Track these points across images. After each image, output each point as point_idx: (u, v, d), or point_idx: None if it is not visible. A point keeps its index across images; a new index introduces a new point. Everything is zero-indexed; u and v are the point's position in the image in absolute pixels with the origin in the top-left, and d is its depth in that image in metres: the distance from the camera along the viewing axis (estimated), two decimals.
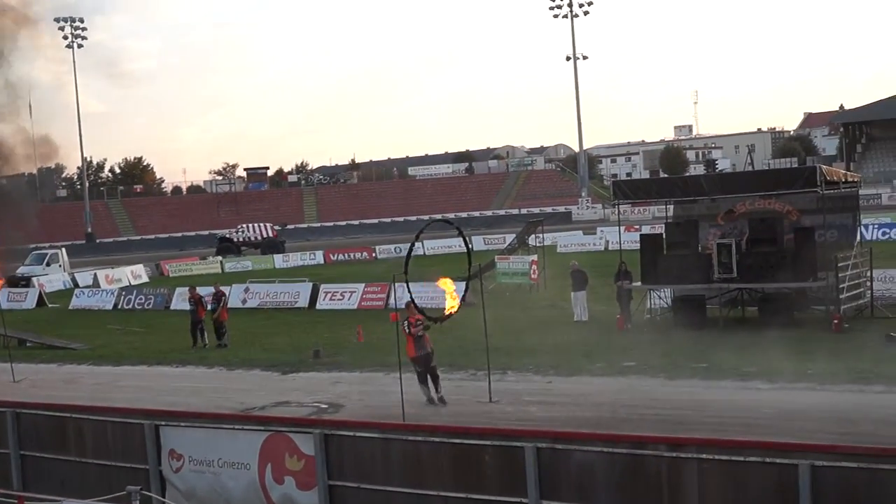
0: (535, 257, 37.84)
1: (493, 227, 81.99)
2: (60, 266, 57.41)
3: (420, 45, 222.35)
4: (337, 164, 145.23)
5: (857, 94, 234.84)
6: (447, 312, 18.09)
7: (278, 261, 64.57)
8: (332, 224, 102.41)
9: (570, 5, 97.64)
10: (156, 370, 25.55)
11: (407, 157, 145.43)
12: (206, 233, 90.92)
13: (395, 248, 62.22)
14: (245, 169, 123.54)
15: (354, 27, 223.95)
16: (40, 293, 47.10)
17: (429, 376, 18.44)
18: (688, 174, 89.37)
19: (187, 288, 32.16)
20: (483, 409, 17.84)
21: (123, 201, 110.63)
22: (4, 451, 16.17)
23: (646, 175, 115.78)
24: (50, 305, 45.56)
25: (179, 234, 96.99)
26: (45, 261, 57.17)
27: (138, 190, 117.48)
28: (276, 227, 77.15)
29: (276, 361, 24.99)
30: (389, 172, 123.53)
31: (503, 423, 15.62)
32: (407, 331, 18.23)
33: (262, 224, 76.78)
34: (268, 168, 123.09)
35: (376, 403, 18.64)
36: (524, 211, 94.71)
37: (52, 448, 15.78)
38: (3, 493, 11.92)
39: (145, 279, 56.79)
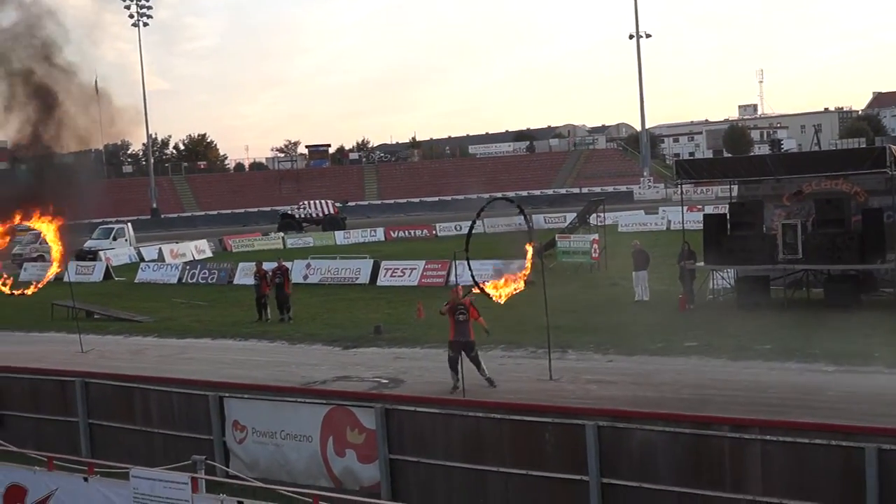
0: (596, 236, 37.65)
1: (554, 205, 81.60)
2: (126, 240, 58.39)
3: (482, 23, 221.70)
4: (398, 143, 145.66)
5: None
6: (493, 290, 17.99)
7: (339, 237, 64.99)
8: (392, 202, 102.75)
9: None
10: (219, 343, 25.92)
11: (467, 135, 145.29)
12: (269, 209, 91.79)
13: (455, 226, 62.22)
14: (307, 146, 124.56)
15: (416, 4, 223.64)
16: (107, 267, 47.93)
17: (471, 362, 18.06)
18: (753, 154, 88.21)
19: (254, 263, 32.50)
20: (543, 386, 17.82)
21: (187, 177, 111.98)
22: (73, 420, 16.57)
23: (709, 155, 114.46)
24: (116, 279, 46.36)
25: (242, 210, 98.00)
26: (112, 235, 58.16)
27: (202, 166, 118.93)
28: (338, 204, 77.54)
29: (337, 336, 25.20)
30: (450, 151, 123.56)
31: (563, 401, 15.59)
32: (455, 313, 18.04)
33: (323, 201, 77.22)
34: (329, 146, 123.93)
35: (436, 380, 18.72)
36: (585, 190, 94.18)
37: (119, 417, 16.14)
38: (73, 461, 12.20)
39: (209, 254, 57.52)
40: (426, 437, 13.28)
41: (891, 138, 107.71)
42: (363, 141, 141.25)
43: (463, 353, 17.92)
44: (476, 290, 17.91)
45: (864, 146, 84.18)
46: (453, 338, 18.07)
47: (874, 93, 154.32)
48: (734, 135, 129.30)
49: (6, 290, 24.49)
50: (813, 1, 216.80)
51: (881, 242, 24.33)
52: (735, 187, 29.58)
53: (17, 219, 22.95)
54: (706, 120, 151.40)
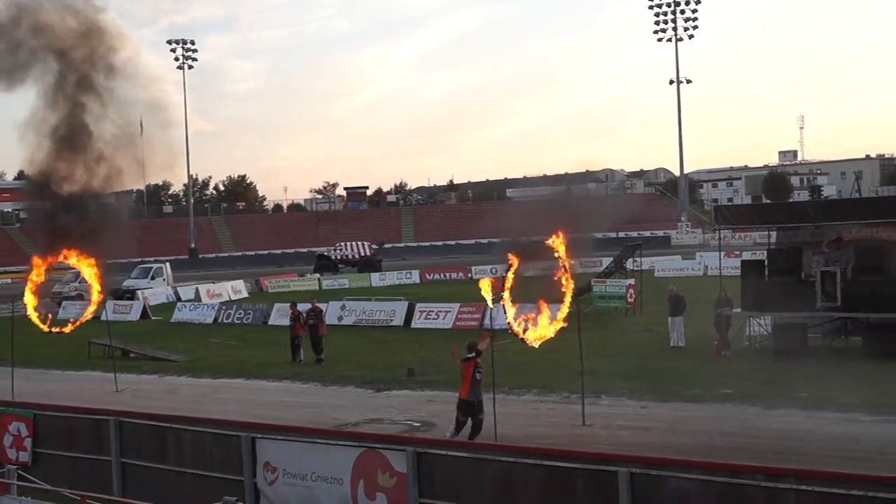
0: (632, 281, 37.49)
1: (591, 249, 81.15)
2: (164, 280, 58.77)
3: (520, 67, 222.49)
4: (435, 185, 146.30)
5: None
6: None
7: (375, 279, 65.13)
8: (428, 244, 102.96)
9: (674, 29, 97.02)
10: (253, 384, 25.98)
11: (505, 178, 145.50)
12: (306, 250, 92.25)
13: (490, 269, 62.08)
14: (345, 188, 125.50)
15: (454, 49, 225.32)
16: (144, 306, 48.31)
17: (473, 424, 17.23)
18: (792, 200, 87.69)
19: (289, 304, 32.68)
20: (576, 432, 17.69)
21: (226, 218, 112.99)
22: (106, 459, 16.61)
23: (748, 201, 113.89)
24: (153, 318, 46.65)
25: (279, 251, 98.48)
26: (150, 274, 58.62)
27: (241, 207, 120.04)
28: (374, 246, 77.77)
29: (370, 379, 25.18)
30: (487, 194, 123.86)
31: (596, 447, 15.44)
32: (474, 370, 17.30)
33: (359, 242, 77.43)
34: (367, 187, 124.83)
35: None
36: (622, 234, 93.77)
37: (151, 457, 16.15)
38: (106, 500, 12.22)
39: (245, 294, 57.81)
40: (457, 481, 13.17)
41: None
42: (401, 183, 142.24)
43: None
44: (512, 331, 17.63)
45: None
46: (468, 396, 17.27)
47: None
48: (773, 181, 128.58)
49: (45, 327, 24.80)
50: (853, 47, 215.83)
51: None
52: (773, 233, 29.39)
53: (58, 258, 23.27)
54: (745, 166, 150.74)
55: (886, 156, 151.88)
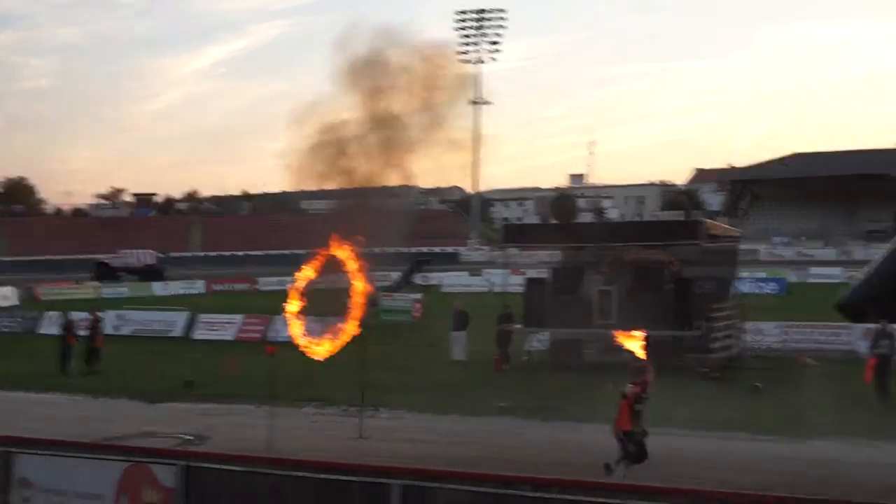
0: (419, 296, 37.85)
1: (381, 263, 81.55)
2: None
3: (314, 82, 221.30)
4: (228, 195, 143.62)
5: (747, 154, 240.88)
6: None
7: (157, 288, 63.45)
8: (216, 254, 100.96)
9: (477, 51, 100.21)
10: (15, 395, 24.50)
11: (301, 190, 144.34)
12: (87, 257, 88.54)
13: (278, 281, 61.27)
14: (133, 194, 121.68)
15: (248, 59, 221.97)
16: None
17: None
18: (577, 221, 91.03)
19: (59, 313, 31.21)
20: (352, 445, 17.57)
21: (0, 221, 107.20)
22: None
23: (537, 221, 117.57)
24: None
25: (58, 258, 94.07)
26: None
27: (18, 210, 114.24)
28: (159, 255, 75.69)
29: (144, 391, 24.25)
30: (281, 205, 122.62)
31: (372, 459, 15.33)
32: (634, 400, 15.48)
33: (142, 250, 75.32)
34: (155, 194, 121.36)
35: (244, 437, 18.18)
36: (413, 249, 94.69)
37: None
38: None
39: (15, 302, 54.95)
40: (229, 496, 12.77)
41: (707, 212, 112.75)
42: (192, 191, 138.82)
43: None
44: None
45: (680, 219, 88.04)
46: (632, 427, 15.31)
47: (696, 169, 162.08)
48: (561, 202, 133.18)
49: None
50: (641, 77, 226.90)
51: (688, 310, 25.22)
52: (560, 253, 30.27)
53: None
54: (537, 187, 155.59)
55: (668, 182, 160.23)
